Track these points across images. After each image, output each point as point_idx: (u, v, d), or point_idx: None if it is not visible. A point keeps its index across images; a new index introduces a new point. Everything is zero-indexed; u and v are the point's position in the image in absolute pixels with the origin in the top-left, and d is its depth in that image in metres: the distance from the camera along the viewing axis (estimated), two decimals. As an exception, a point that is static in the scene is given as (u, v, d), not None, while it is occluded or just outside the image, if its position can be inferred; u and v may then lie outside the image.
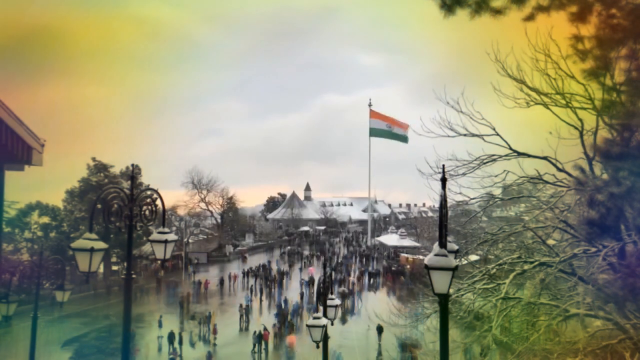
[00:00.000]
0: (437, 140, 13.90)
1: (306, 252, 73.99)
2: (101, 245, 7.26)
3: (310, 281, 49.25)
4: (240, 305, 39.14)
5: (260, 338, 30.99)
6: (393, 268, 57.24)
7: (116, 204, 7.56)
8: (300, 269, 59.35)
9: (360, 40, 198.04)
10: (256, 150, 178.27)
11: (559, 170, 12.86)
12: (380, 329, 30.04)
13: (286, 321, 36.09)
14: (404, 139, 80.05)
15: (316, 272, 52.96)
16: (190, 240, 70.61)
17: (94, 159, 58.97)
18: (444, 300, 7.14)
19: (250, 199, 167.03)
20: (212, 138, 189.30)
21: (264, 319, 37.14)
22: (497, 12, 5.24)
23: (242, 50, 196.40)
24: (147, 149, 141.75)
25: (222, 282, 51.97)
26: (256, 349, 30.65)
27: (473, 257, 18.29)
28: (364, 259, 66.85)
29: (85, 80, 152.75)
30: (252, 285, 49.58)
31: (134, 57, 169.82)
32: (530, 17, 5.27)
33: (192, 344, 31.76)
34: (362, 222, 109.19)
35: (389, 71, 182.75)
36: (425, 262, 6.85)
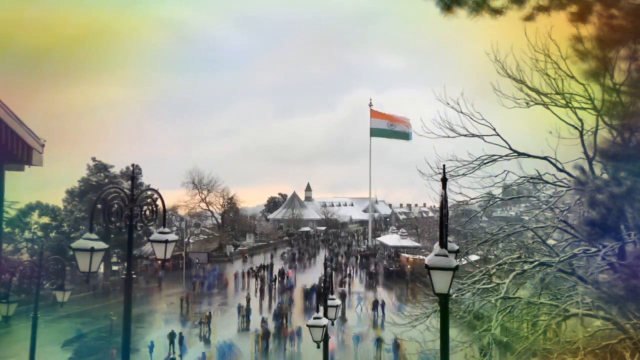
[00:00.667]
0: (438, 140, 13.94)
1: (306, 253, 74.04)
2: (101, 245, 7.25)
3: (288, 284, 49.49)
4: (240, 305, 39.13)
5: (264, 337, 31.07)
6: (391, 268, 57.24)
7: (116, 204, 7.57)
8: (295, 269, 59.36)
9: (386, 43, 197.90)
10: (269, 150, 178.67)
11: (559, 170, 12.87)
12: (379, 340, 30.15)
13: (287, 321, 36.08)
14: (405, 136, 79.68)
15: (314, 273, 52.99)
16: (190, 241, 70.61)
17: (94, 159, 59.06)
18: (444, 300, 7.14)
19: (251, 199, 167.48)
20: (227, 138, 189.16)
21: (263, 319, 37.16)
22: (497, 12, 5.24)
23: (269, 53, 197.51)
24: (155, 149, 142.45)
25: (211, 285, 50.61)
26: (253, 349, 30.66)
27: (473, 257, 18.32)
28: (365, 259, 66.85)
29: (107, 81, 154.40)
30: (260, 286, 49.51)
31: (159, 59, 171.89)
32: (530, 17, 5.27)
33: (185, 347, 31.61)
34: (363, 222, 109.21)
35: (412, 73, 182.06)
36: (426, 262, 6.85)
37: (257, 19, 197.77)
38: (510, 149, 13.32)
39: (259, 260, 66.66)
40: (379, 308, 38.85)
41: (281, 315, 37.02)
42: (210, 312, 37.30)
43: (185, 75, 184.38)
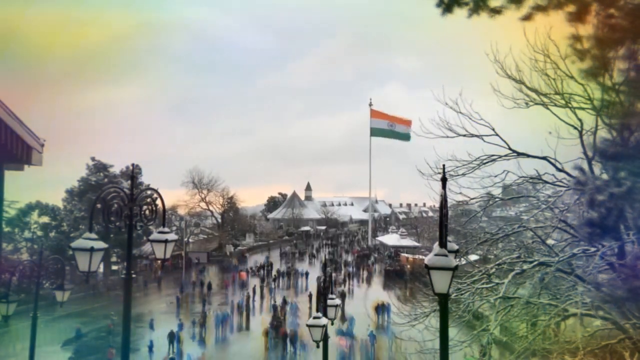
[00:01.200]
0: (437, 140, 13.95)
1: (305, 252, 74.07)
2: (101, 244, 7.26)
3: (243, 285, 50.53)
4: (240, 305, 39.13)
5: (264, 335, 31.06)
6: (390, 268, 57.25)
7: (116, 204, 7.57)
8: (293, 269, 59.49)
9: (398, 45, 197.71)
10: (275, 151, 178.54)
11: (559, 170, 12.88)
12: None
13: (280, 320, 36.03)
14: (405, 137, 79.80)
15: (313, 272, 53.11)
16: (190, 240, 70.59)
17: (93, 159, 58.96)
18: (444, 300, 7.14)
19: (252, 199, 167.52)
20: (232, 139, 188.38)
21: (262, 318, 37.17)
22: (495, 11, 5.25)
23: (290, 54, 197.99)
24: (156, 149, 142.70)
25: (209, 286, 49.49)
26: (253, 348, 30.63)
27: (473, 257, 18.32)
28: (364, 259, 66.90)
29: (108, 81, 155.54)
30: (259, 285, 49.51)
31: (169, 60, 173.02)
32: (528, 17, 5.27)
33: (185, 347, 31.63)
34: (363, 222, 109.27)
35: (418, 73, 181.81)
36: (426, 261, 6.85)
37: (265, 19, 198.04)
38: (510, 149, 13.33)
39: (258, 259, 66.76)
40: (383, 310, 38.33)
41: (278, 316, 37.03)
42: (210, 312, 37.30)
43: (194, 76, 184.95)
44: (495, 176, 13.62)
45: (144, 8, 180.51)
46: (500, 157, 13.45)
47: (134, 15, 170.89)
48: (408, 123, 78.41)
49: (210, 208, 79.74)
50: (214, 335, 34.58)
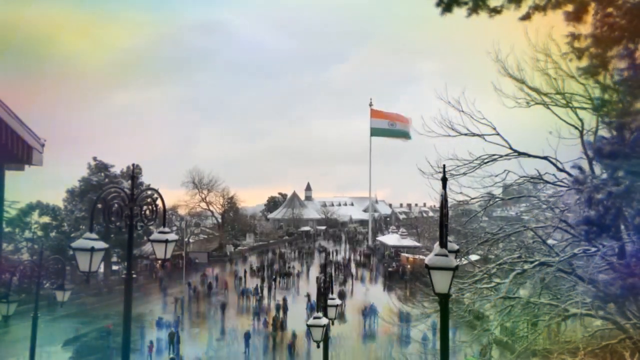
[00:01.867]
0: (438, 139, 13.94)
1: (305, 252, 74.04)
2: (101, 245, 7.25)
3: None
4: (240, 304, 39.11)
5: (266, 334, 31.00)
6: (390, 268, 57.20)
7: (116, 204, 7.56)
8: (292, 269, 59.50)
9: (401, 45, 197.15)
10: (279, 151, 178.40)
11: (559, 170, 12.87)
12: None
13: (278, 320, 36.00)
14: (405, 134, 79.78)
15: (313, 273, 53.10)
16: (190, 240, 70.55)
17: (94, 159, 58.88)
18: (444, 300, 7.13)
19: (252, 199, 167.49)
20: (238, 139, 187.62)
21: (262, 318, 37.11)
22: (495, 11, 5.24)
23: (298, 56, 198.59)
24: (157, 149, 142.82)
25: (210, 286, 49.24)
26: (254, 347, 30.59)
27: (473, 257, 18.32)
28: (364, 259, 66.87)
29: (128, 81, 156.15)
30: (257, 285, 49.52)
31: (184, 61, 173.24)
32: (526, 17, 5.27)
33: (185, 347, 31.62)
34: (363, 222, 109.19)
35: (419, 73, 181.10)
36: (426, 262, 6.84)
37: (271, 19, 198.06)
38: (511, 148, 13.33)
39: (258, 259, 66.73)
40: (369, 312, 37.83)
41: (277, 316, 37.00)
42: (210, 312, 37.29)
43: (197, 77, 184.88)
44: (496, 176, 13.62)
45: (145, 7, 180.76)
46: (501, 156, 13.44)
47: (136, 15, 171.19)
48: (408, 121, 78.38)
49: (211, 208, 79.69)
50: (214, 335, 34.58)
